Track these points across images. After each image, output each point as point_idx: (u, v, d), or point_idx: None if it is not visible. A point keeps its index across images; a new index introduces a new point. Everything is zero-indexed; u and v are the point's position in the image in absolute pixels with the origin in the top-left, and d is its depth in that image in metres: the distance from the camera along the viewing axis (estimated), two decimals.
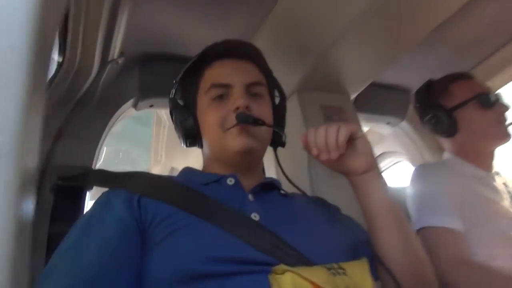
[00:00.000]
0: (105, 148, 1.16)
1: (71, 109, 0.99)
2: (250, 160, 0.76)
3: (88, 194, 0.98)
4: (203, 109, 0.78)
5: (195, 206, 0.64)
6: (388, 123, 1.62)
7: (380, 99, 1.52)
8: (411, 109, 1.59)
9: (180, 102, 0.82)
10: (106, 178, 0.78)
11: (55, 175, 0.92)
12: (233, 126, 0.72)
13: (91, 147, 1.02)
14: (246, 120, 0.71)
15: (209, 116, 0.76)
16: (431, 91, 1.25)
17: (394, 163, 1.88)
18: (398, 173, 1.87)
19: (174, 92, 0.83)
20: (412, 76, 1.53)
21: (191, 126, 0.79)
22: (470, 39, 1.38)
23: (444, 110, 1.18)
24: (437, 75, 1.30)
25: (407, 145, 1.69)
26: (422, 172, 1.18)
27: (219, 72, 0.78)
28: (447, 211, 1.02)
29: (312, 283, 0.52)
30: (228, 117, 0.73)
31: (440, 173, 1.13)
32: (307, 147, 0.72)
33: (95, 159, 1.02)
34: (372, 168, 0.73)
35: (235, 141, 0.72)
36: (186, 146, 0.84)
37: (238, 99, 0.73)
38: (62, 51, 0.88)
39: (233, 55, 0.80)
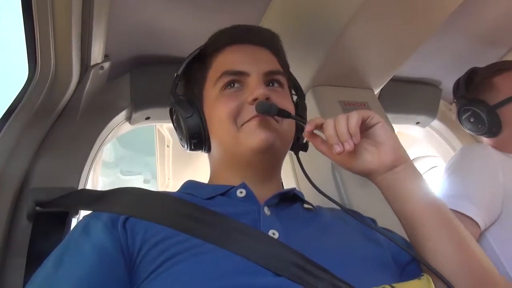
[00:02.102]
0: (100, 178, 1.01)
1: (51, 124, 0.86)
2: (269, 162, 0.65)
3: (74, 220, 0.84)
4: (211, 102, 0.67)
5: (196, 225, 0.53)
6: (417, 123, 1.44)
7: (407, 96, 1.36)
8: (443, 106, 1.45)
9: (183, 98, 0.71)
10: (91, 199, 0.66)
11: (33, 200, 0.78)
12: (250, 119, 0.62)
13: (76, 167, 0.87)
14: (268, 111, 0.60)
15: (220, 109, 0.64)
16: (471, 84, 1.10)
17: (429, 169, 1.69)
18: (434, 180, 1.67)
19: (175, 87, 0.72)
20: (441, 68, 1.36)
21: (197, 123, 0.68)
22: (504, 21, 1.21)
23: (487, 107, 1.04)
24: (469, 64, 1.15)
25: (442, 146, 1.51)
26: (466, 151, 1.04)
27: (232, 58, 0.69)
28: (479, 201, 0.89)
29: None
30: (244, 109, 0.63)
31: (489, 155, 0.99)
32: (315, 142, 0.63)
33: (81, 181, 0.87)
34: (401, 161, 0.58)
35: (253, 135, 0.61)
36: (190, 149, 0.71)
37: (256, 89, 0.62)
38: (32, 59, 0.76)
39: (247, 41, 0.71)
